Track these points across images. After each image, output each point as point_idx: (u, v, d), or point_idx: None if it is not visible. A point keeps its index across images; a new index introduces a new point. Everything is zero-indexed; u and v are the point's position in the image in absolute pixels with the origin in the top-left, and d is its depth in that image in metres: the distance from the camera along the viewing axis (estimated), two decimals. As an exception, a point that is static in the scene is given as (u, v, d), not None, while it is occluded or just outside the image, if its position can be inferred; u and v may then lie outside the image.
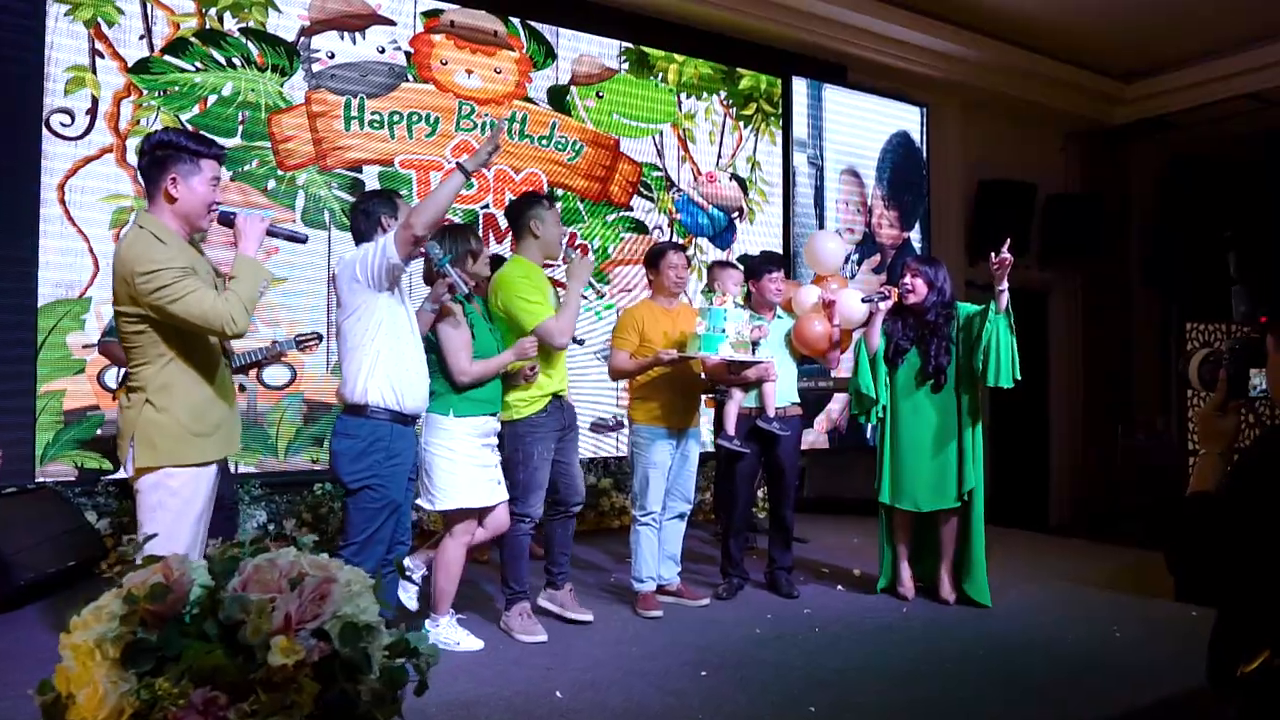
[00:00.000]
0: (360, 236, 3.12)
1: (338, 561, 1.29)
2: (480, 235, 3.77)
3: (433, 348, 3.37)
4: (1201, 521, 1.49)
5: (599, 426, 6.05)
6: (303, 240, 2.91)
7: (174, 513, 2.42)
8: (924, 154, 7.76)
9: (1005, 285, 4.01)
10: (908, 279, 4.24)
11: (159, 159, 2.51)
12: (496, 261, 5.05)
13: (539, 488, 3.67)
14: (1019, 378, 4.12)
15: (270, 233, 2.70)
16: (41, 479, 4.53)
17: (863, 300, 4.33)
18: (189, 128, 4.88)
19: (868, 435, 6.58)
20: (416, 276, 5.26)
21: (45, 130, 4.60)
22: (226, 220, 2.65)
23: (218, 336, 2.54)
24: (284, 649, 1.07)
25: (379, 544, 2.97)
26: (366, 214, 3.11)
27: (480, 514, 3.47)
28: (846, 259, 7.15)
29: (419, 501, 3.44)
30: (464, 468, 3.37)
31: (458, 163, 2.94)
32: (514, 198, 4.13)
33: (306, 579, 1.15)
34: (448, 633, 3.44)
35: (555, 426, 3.71)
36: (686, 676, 3.21)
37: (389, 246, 2.87)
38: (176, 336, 2.48)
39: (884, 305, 4.27)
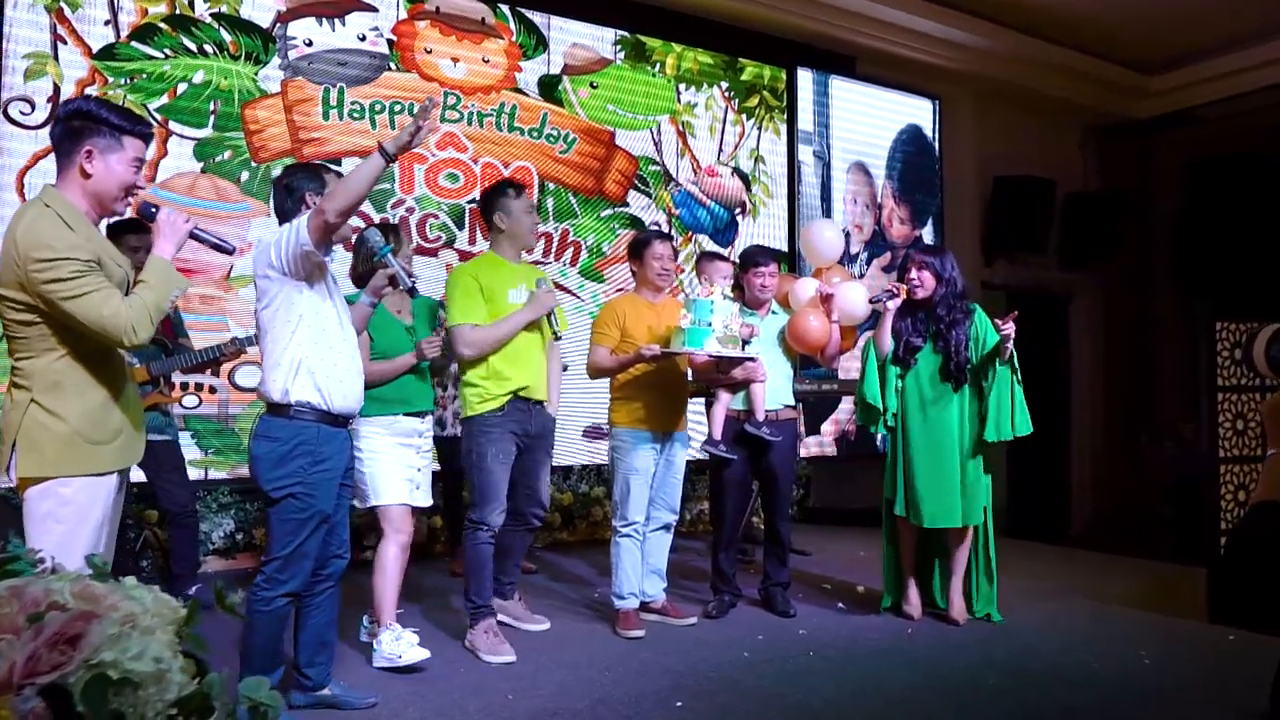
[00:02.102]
0: (283, 216, 2.81)
1: (134, 589, 1.00)
2: (400, 234, 3.55)
3: None
4: (1268, 536, 1.18)
5: (592, 432, 5.76)
6: (230, 251, 2.61)
7: (67, 525, 2.13)
8: (937, 149, 7.43)
9: (1010, 344, 3.74)
10: (914, 273, 3.91)
11: (74, 129, 2.21)
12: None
13: (494, 493, 3.40)
14: (1020, 431, 3.83)
15: (194, 236, 2.42)
16: (-3, 485, 4.29)
17: (870, 301, 4.02)
18: (158, 116, 4.66)
19: (878, 442, 6.25)
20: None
21: (3, 119, 4.38)
22: (148, 214, 2.38)
23: (113, 345, 2.21)
24: (-15, 714, 0.79)
25: (305, 559, 2.68)
26: (289, 190, 2.79)
27: (407, 513, 3.30)
28: (855, 257, 6.85)
29: (353, 500, 3.18)
30: (375, 466, 3.23)
31: (379, 144, 2.63)
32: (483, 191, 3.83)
33: (50, 616, 0.87)
34: (390, 647, 3.15)
35: (513, 429, 3.44)
36: (660, 706, 2.90)
37: (303, 230, 2.57)
38: (70, 331, 2.17)
39: (892, 305, 3.94)
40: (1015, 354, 3.80)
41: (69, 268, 2.08)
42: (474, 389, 3.43)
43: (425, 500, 3.40)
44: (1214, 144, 8.25)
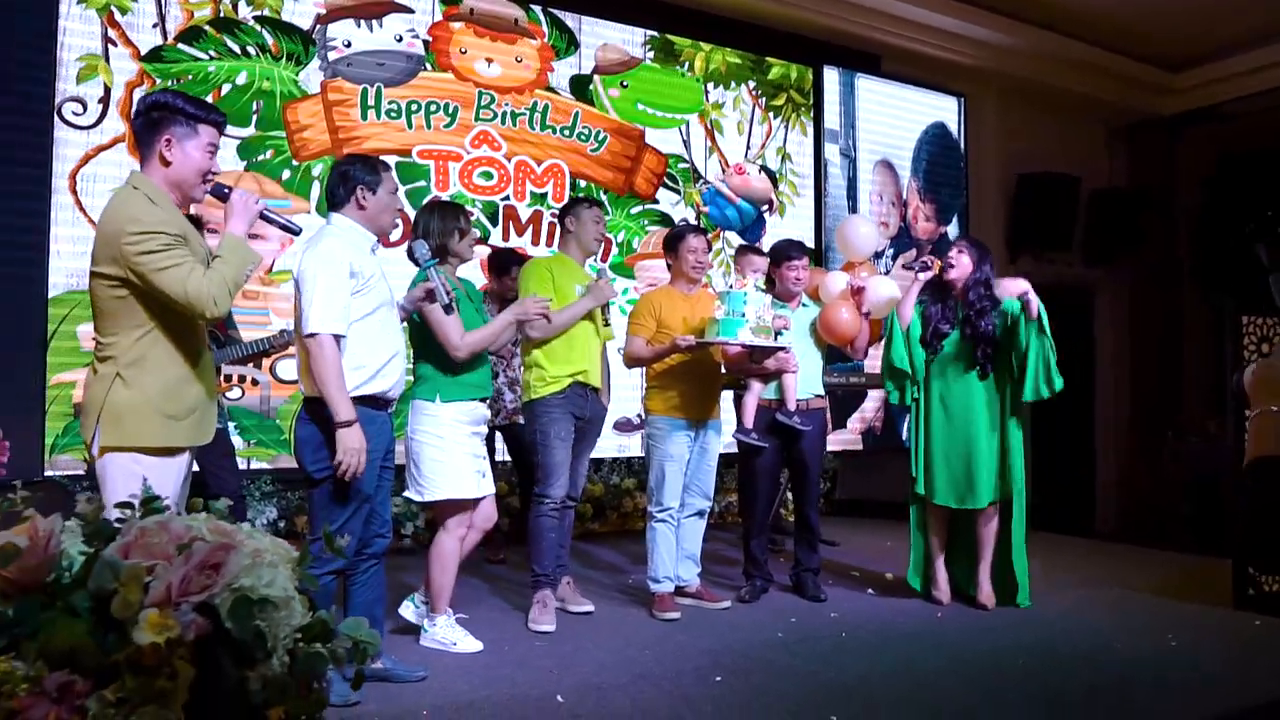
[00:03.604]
0: (333, 200, 2.92)
1: (254, 530, 1.11)
2: (469, 215, 3.56)
3: (419, 331, 3.22)
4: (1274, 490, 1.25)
5: (623, 425, 5.86)
6: (296, 232, 2.71)
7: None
8: (961, 146, 7.48)
9: (1031, 295, 3.84)
10: (953, 253, 4.00)
11: (154, 120, 2.37)
12: (507, 254, 5.00)
13: (557, 469, 3.64)
14: (1057, 388, 3.89)
15: (264, 217, 2.54)
16: (51, 472, 4.44)
17: (904, 267, 4.11)
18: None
19: (903, 436, 6.32)
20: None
21: (57, 119, 4.52)
22: (220, 194, 2.50)
23: (196, 316, 2.34)
24: (153, 624, 0.90)
25: (349, 537, 2.79)
26: (344, 177, 2.89)
27: (472, 506, 3.30)
28: (880, 253, 6.92)
29: (407, 494, 3.27)
30: (453, 456, 3.20)
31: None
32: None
33: (196, 545, 0.98)
34: (445, 632, 3.27)
35: (573, 410, 3.70)
36: (700, 682, 3.00)
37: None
38: (158, 306, 2.31)
39: (923, 276, 4.02)
40: (1044, 313, 3.86)
41: (159, 240, 2.22)
42: (539, 371, 3.68)
43: (492, 486, 3.41)
44: (1239, 140, 8.25)
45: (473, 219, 5.34)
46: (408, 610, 3.56)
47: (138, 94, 4.69)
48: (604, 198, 5.95)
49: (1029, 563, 4.08)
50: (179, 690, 0.90)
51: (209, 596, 0.95)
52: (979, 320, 3.93)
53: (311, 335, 2.69)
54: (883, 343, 4.15)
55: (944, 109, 7.41)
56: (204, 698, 0.92)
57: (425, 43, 5.43)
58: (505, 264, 4.90)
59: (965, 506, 3.96)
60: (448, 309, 3.11)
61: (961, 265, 3.96)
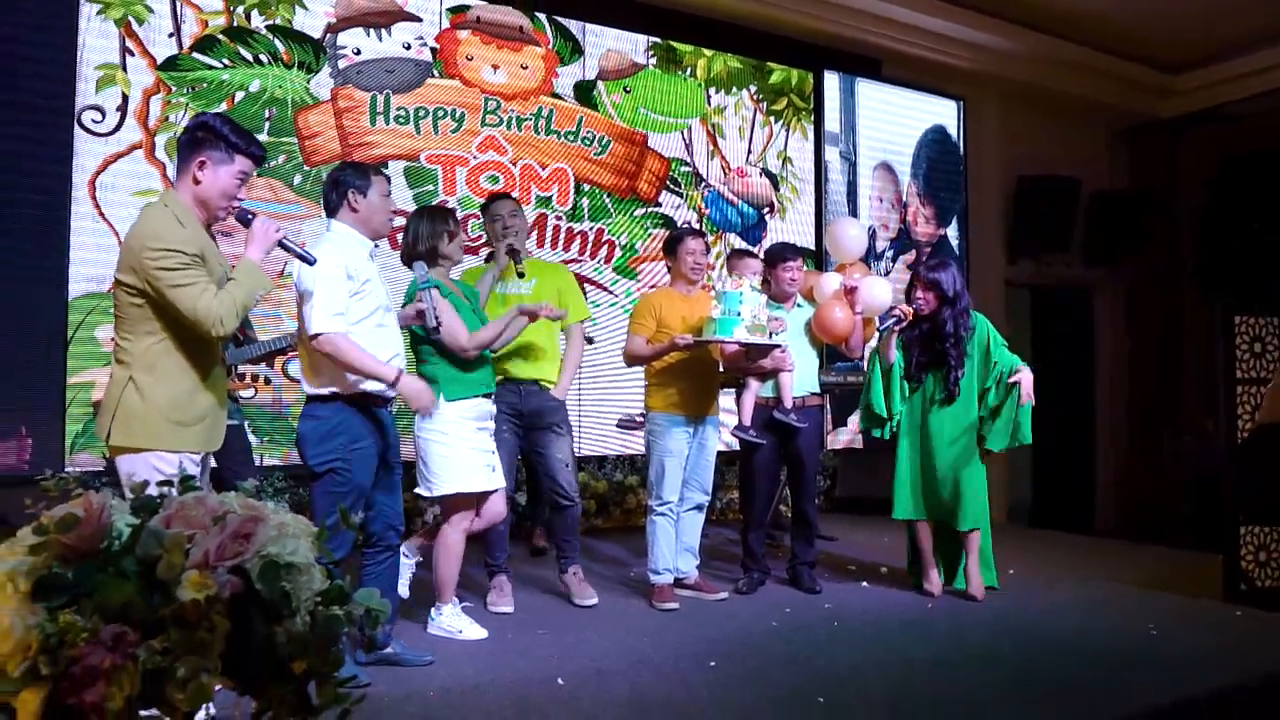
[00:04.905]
0: (329, 207, 3.05)
1: (277, 506, 1.24)
2: (458, 218, 3.66)
3: (419, 340, 3.36)
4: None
5: (625, 423, 5.98)
6: (311, 262, 2.79)
7: None
8: (961, 149, 7.59)
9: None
10: (919, 294, 4.13)
11: (197, 139, 2.50)
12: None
13: None
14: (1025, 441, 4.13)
15: (282, 245, 2.65)
16: (71, 469, 4.59)
17: (879, 328, 4.22)
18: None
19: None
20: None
21: (77, 127, 4.67)
22: (244, 220, 2.62)
23: (202, 334, 2.45)
24: (194, 583, 1.03)
25: (348, 530, 2.91)
26: (335, 183, 3.03)
27: (479, 500, 3.42)
28: (880, 255, 7.04)
29: (417, 490, 3.40)
30: (458, 452, 3.32)
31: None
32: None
33: (229, 517, 1.11)
34: (451, 621, 3.40)
35: (505, 410, 3.77)
36: (696, 667, 3.12)
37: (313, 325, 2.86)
38: (171, 316, 2.43)
39: (898, 329, 4.15)
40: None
41: (176, 259, 2.36)
42: None
43: (502, 480, 3.51)
44: (1241, 141, 8.33)
45: (473, 222, 5.55)
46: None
47: (154, 102, 4.84)
48: (607, 200, 6.09)
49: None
50: (216, 641, 1.03)
51: (241, 561, 1.08)
52: (951, 353, 4.08)
53: (316, 337, 2.82)
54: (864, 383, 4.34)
55: (944, 112, 7.51)
56: (238, 649, 1.05)
57: (433, 50, 5.56)
58: None
59: (949, 524, 4.12)
60: (434, 331, 3.25)
61: (929, 303, 4.10)
